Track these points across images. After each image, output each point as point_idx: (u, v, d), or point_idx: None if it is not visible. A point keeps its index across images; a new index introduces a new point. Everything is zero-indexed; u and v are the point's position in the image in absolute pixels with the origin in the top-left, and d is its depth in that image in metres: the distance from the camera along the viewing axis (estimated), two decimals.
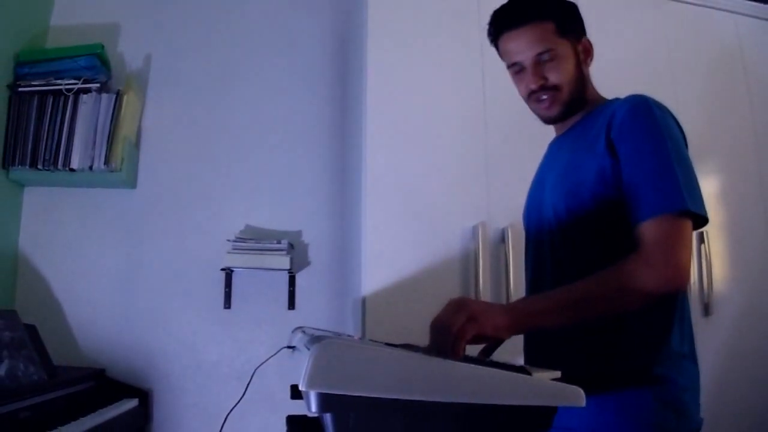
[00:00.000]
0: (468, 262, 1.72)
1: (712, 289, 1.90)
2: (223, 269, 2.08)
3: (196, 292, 2.11)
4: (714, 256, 1.92)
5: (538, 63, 1.04)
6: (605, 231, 0.97)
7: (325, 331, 1.08)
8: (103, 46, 2.07)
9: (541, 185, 1.15)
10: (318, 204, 2.24)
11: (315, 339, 0.67)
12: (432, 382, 0.59)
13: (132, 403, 1.82)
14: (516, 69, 1.08)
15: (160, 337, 2.07)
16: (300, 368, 0.57)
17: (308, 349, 0.59)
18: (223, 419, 1.04)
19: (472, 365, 0.61)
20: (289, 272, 2.13)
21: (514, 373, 0.62)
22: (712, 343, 1.86)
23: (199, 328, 2.10)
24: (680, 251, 0.87)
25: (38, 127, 1.96)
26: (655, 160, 0.92)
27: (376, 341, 0.92)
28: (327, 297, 2.18)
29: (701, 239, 1.89)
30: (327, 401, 0.57)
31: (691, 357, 0.98)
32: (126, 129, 2.03)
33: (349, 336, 1.08)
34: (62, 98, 1.99)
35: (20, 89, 1.98)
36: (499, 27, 1.08)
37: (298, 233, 2.21)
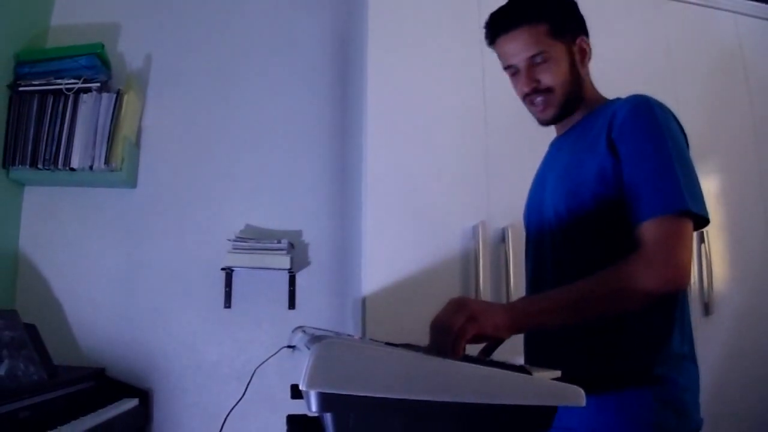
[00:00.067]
0: (468, 261, 1.72)
1: (712, 288, 1.90)
2: (223, 269, 2.08)
3: (196, 291, 2.11)
4: (714, 256, 1.92)
5: (531, 66, 1.05)
6: (606, 231, 0.97)
7: (326, 330, 1.08)
8: (103, 46, 2.07)
9: (541, 185, 1.15)
10: (318, 204, 2.24)
11: (315, 339, 0.67)
12: (432, 381, 0.59)
13: (132, 403, 1.82)
14: (511, 71, 1.10)
15: (160, 336, 2.07)
16: (300, 368, 0.57)
17: (308, 348, 0.59)
18: (224, 419, 1.04)
19: (473, 365, 0.61)
20: (289, 272, 2.13)
21: (515, 373, 0.62)
22: (712, 343, 1.86)
23: (200, 328, 2.10)
24: (681, 251, 0.87)
25: (38, 126, 1.96)
26: (656, 160, 0.92)
27: (376, 341, 0.92)
28: (327, 297, 2.18)
29: (701, 239, 1.89)
30: (327, 401, 0.57)
31: (691, 357, 0.98)
32: (126, 129, 2.03)
33: (349, 336, 1.08)
34: (62, 98, 1.99)
35: (20, 89, 1.98)
36: (494, 31, 1.09)
37: (299, 233, 2.21)
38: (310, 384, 0.56)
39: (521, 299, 1.06)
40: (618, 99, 1.06)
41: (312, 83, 2.32)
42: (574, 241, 1.01)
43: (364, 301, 1.65)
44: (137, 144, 2.16)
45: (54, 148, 1.95)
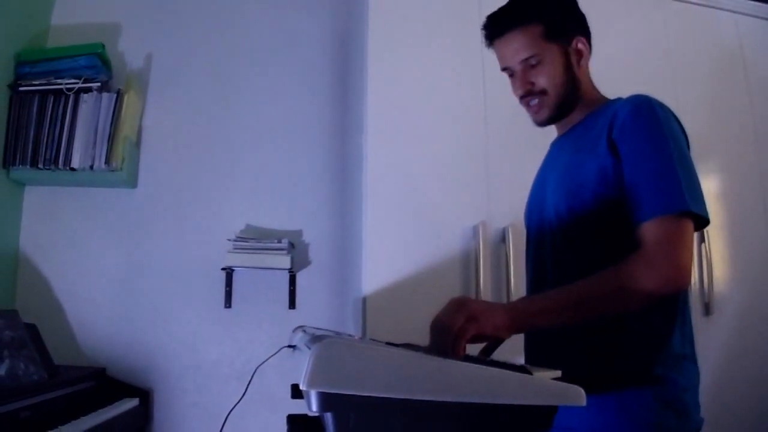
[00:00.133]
0: (468, 261, 1.72)
1: (712, 288, 1.90)
2: (223, 269, 2.08)
3: (196, 291, 2.12)
4: (714, 256, 1.92)
5: (526, 68, 1.06)
6: (606, 231, 0.97)
7: (326, 330, 1.08)
8: (103, 46, 2.07)
9: (542, 185, 1.15)
10: (318, 203, 2.24)
11: (315, 338, 0.67)
12: (433, 381, 0.59)
13: (132, 403, 1.83)
14: (508, 73, 1.11)
15: (160, 336, 2.07)
16: (301, 368, 0.57)
17: (309, 348, 0.59)
18: (224, 419, 1.04)
19: (473, 365, 0.61)
20: (289, 272, 2.13)
21: (515, 373, 0.62)
22: (712, 343, 1.86)
23: (200, 328, 2.10)
24: (681, 252, 0.87)
25: (39, 126, 1.96)
26: (656, 160, 0.92)
27: (376, 341, 0.92)
28: (327, 296, 2.18)
29: (702, 239, 1.89)
30: (328, 400, 0.57)
31: (692, 357, 0.98)
32: (126, 128, 2.03)
33: (349, 335, 1.08)
34: (63, 98, 1.99)
35: (21, 89, 1.98)
36: (489, 34, 1.10)
37: (299, 233, 2.21)
38: (311, 384, 0.56)
39: (521, 299, 1.06)
40: (619, 99, 1.06)
41: (312, 83, 2.32)
42: (574, 241, 1.01)
43: (364, 300, 1.65)
44: (137, 144, 2.17)
45: (54, 148, 1.95)
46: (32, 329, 1.66)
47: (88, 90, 2.01)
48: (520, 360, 1.07)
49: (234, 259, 2.01)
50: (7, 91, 1.98)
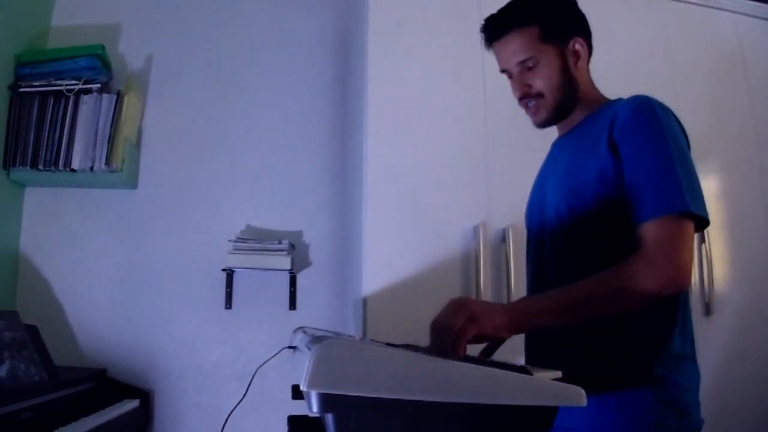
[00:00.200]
0: (469, 262, 1.72)
1: (712, 288, 1.90)
2: (224, 269, 2.08)
3: (197, 292, 2.12)
4: (714, 256, 1.92)
5: (523, 71, 1.07)
6: (607, 231, 0.98)
7: (326, 331, 1.08)
8: (103, 47, 2.07)
9: (543, 185, 1.15)
10: (318, 204, 2.24)
11: (316, 339, 0.67)
12: (433, 382, 0.59)
13: (133, 404, 1.83)
14: (507, 75, 1.12)
15: (161, 337, 2.07)
16: (301, 368, 0.57)
17: (309, 349, 0.59)
18: (225, 419, 1.04)
19: (473, 365, 0.61)
20: (290, 272, 2.13)
21: (515, 373, 0.62)
22: (712, 343, 1.86)
23: (200, 329, 2.10)
24: (682, 252, 0.87)
25: (39, 127, 1.97)
26: (657, 160, 0.92)
27: (377, 341, 0.92)
28: (328, 297, 2.18)
29: (702, 239, 1.89)
30: (328, 401, 0.57)
31: (692, 357, 0.98)
32: (127, 129, 2.03)
33: (350, 336, 1.08)
34: (63, 99, 2.00)
35: (21, 90, 1.98)
36: (488, 36, 1.11)
37: (299, 233, 2.21)
38: (311, 384, 0.56)
39: (522, 299, 1.06)
40: (620, 99, 1.06)
41: (312, 83, 2.32)
42: (574, 242, 1.01)
43: (364, 301, 1.65)
44: (138, 145, 2.17)
45: (55, 149, 1.95)
46: (33, 330, 1.66)
47: (88, 91, 2.02)
48: (521, 360, 1.07)
49: (234, 260, 2.01)
50: (7, 92, 1.98)
